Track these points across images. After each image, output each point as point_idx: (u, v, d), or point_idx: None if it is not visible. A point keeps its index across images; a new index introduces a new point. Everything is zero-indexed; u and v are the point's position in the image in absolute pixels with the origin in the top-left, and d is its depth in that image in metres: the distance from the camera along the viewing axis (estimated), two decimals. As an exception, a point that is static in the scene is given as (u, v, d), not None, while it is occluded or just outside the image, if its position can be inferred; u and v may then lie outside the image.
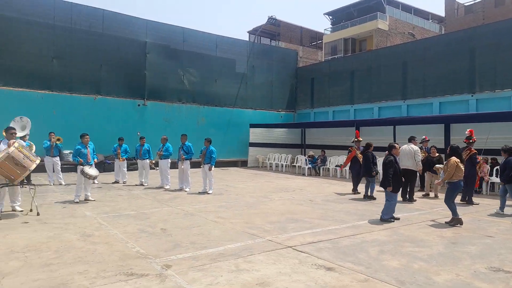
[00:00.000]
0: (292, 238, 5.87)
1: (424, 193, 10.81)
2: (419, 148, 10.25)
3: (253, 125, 21.11)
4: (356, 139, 11.50)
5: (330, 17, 37.12)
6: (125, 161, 12.92)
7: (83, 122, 15.73)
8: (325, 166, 16.93)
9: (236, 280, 4.11)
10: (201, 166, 10.84)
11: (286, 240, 5.71)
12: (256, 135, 21.14)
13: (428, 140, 11.70)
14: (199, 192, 10.62)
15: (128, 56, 17.70)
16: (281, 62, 23.58)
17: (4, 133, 7.50)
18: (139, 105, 17.99)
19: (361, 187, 10.71)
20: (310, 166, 17.01)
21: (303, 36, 31.95)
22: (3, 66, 14.74)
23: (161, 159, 11.64)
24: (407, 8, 34.54)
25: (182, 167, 11.07)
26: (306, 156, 18.29)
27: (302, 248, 5.33)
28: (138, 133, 17.02)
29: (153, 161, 12.43)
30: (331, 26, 36.56)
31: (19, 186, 7.42)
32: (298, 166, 17.87)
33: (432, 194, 10.58)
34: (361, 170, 10.62)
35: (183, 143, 11.18)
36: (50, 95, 15.67)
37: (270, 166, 19.75)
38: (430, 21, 37.12)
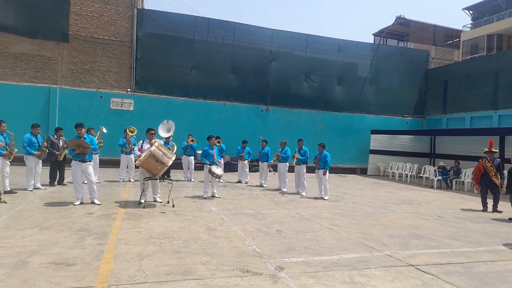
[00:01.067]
0: (415, 255, 5.36)
1: None
2: None
3: (374, 131, 20.06)
4: (488, 149, 9.92)
5: (471, 12, 32.79)
6: (248, 162, 13.71)
7: (213, 126, 17.36)
8: (458, 179, 15.00)
9: (349, 292, 3.96)
10: (316, 171, 10.81)
11: (407, 258, 5.24)
12: (377, 141, 20.03)
13: None
14: (315, 197, 10.60)
15: (254, 64, 18.81)
16: (409, 64, 21.84)
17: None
18: (262, 110, 18.92)
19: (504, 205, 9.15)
20: (440, 178, 15.29)
21: (436, 35, 28.95)
22: (152, 77, 17.32)
23: (280, 161, 12.03)
24: None
25: (293, 165, 11.29)
26: (436, 166, 16.51)
27: (427, 268, 4.82)
28: (260, 137, 17.91)
29: (270, 164, 12.83)
30: (471, 22, 32.29)
31: (159, 180, 8.56)
32: (426, 177, 16.27)
33: None
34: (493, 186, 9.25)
35: (300, 148, 11.37)
36: (188, 101, 17.72)
37: (393, 176, 18.45)
38: None
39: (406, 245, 5.95)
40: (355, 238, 6.24)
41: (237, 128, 17.97)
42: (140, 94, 17.03)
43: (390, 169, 18.79)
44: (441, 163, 16.64)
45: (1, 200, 7.61)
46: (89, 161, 8.04)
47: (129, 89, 16.94)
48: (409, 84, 21.82)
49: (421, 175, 16.70)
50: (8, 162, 8.63)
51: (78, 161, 7.88)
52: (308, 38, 19.78)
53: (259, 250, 5.30)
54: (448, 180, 15.14)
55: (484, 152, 10.08)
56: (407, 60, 21.93)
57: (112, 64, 16.68)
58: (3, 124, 8.55)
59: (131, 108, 16.65)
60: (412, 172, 17.33)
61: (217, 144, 11.37)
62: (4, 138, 8.43)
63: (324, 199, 10.35)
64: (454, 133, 18.55)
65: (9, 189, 8.68)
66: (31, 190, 9.23)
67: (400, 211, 9.23)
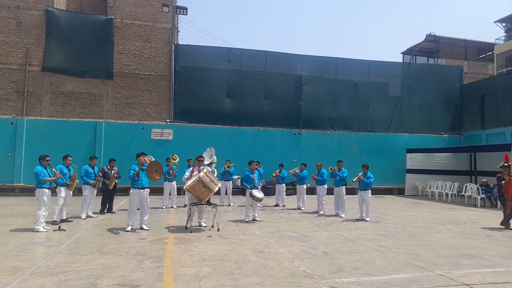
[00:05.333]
0: (468, 275, 5.32)
1: None
2: None
3: (410, 150, 19.75)
4: (506, 164, 9.71)
5: (503, 24, 32.10)
6: (284, 185, 13.86)
7: (249, 151, 17.84)
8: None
9: (406, 311, 4.03)
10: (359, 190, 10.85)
11: (461, 277, 5.22)
12: (414, 160, 19.66)
13: None
14: (355, 219, 10.58)
15: (286, 89, 19.29)
16: (442, 80, 21.61)
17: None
18: (295, 134, 19.20)
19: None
20: (483, 196, 14.77)
21: (468, 50, 28.50)
22: (190, 107, 18.12)
23: (318, 184, 12.14)
24: None
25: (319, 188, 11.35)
26: (478, 184, 15.97)
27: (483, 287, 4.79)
28: (294, 160, 18.13)
29: (308, 186, 13.03)
30: (505, 34, 31.59)
31: (205, 206, 8.90)
32: (468, 195, 15.75)
33: None
34: None
35: (339, 168, 11.48)
36: (223, 128, 18.33)
37: (432, 195, 17.97)
38: None
39: (457, 264, 5.90)
40: (403, 258, 6.25)
41: (271, 152, 18.29)
42: (179, 124, 17.82)
43: (429, 188, 18.33)
44: (484, 180, 16.08)
45: (61, 228, 8.19)
46: (147, 187, 8.54)
47: (168, 120, 17.80)
48: (444, 101, 21.50)
49: (463, 193, 16.18)
50: (70, 192, 9.32)
51: (138, 188, 8.39)
52: (338, 61, 20.12)
53: (309, 271, 5.45)
54: (492, 198, 14.61)
55: (500, 167, 9.96)
56: (440, 77, 21.72)
57: (153, 97, 17.69)
58: (69, 158, 9.33)
59: (170, 138, 17.41)
60: (452, 191, 16.84)
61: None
62: (69, 170, 9.17)
63: (366, 221, 10.32)
64: (496, 149, 17.93)
65: (65, 217, 9.32)
66: (84, 218, 9.82)
67: (445, 231, 9.06)
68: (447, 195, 16.91)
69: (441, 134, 21.28)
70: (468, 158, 19.67)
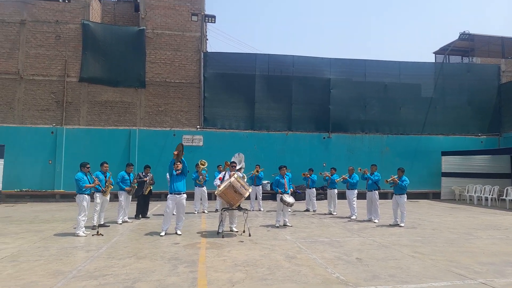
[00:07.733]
0: (513, 284, 5.07)
1: None
2: None
3: (445, 153, 19.03)
4: None
5: (544, 18, 30.50)
6: (314, 190, 13.70)
7: (277, 155, 17.87)
8: (550, 201, 13.61)
9: (446, 320, 3.89)
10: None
11: (506, 286, 4.97)
12: (450, 164, 18.93)
13: None
14: (389, 225, 10.31)
15: (314, 93, 19.16)
16: (478, 80, 20.74)
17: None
18: (324, 138, 19.00)
19: None
20: (527, 200, 14.00)
21: (506, 47, 27.16)
22: (219, 113, 18.39)
23: (348, 189, 11.95)
24: None
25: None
26: (521, 188, 15.15)
27: (529, 297, 4.55)
28: (324, 164, 17.93)
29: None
30: (545, 28, 29.95)
31: (235, 211, 8.98)
32: (510, 199, 14.98)
33: None
34: None
35: (372, 172, 11.24)
36: (252, 134, 18.45)
37: (470, 199, 17.21)
38: None
39: (501, 272, 5.62)
40: (442, 265, 6.03)
41: (300, 157, 18.19)
42: (209, 130, 18.12)
43: (467, 193, 17.57)
44: (527, 183, 15.24)
45: (99, 233, 8.51)
46: (184, 192, 8.73)
47: (198, 126, 18.14)
48: (481, 101, 20.61)
49: (504, 197, 15.40)
50: (107, 198, 9.69)
51: (174, 193, 8.59)
52: (367, 63, 19.80)
53: (343, 278, 5.36)
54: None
55: None
56: (476, 76, 20.86)
57: (183, 104, 18.12)
58: (105, 165, 9.75)
59: (201, 144, 17.73)
60: (492, 195, 16.06)
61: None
62: (105, 177, 9.56)
63: (400, 226, 10.03)
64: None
65: (102, 222, 9.68)
66: (121, 223, 10.15)
67: (486, 237, 8.66)
68: (486, 199, 16.15)
69: (479, 136, 20.39)
70: (509, 160, 18.73)
